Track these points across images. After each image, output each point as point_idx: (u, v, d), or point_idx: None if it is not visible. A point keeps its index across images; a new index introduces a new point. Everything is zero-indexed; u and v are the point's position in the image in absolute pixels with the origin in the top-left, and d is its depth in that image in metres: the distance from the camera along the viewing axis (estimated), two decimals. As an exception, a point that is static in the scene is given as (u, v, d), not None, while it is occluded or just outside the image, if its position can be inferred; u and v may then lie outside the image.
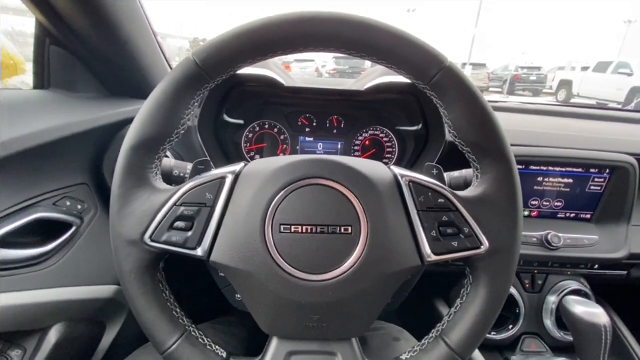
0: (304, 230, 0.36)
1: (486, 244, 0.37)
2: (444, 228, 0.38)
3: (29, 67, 0.68)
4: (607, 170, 0.72)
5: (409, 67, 0.37)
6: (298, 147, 0.86)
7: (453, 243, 0.38)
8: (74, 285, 0.57)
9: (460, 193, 0.39)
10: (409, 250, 0.38)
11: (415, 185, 0.39)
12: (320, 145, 0.86)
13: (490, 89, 12.17)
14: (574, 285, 0.79)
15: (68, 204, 0.57)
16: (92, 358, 0.64)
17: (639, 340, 0.79)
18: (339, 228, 0.36)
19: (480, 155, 0.38)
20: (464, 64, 12.93)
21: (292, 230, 0.36)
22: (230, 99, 0.80)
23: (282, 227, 0.36)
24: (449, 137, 0.68)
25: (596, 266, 0.77)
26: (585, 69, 9.79)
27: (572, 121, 0.95)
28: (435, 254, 0.38)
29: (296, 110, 0.85)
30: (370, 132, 0.86)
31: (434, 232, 0.38)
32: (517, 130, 0.81)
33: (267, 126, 0.85)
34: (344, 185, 0.37)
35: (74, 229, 0.56)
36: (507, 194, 0.38)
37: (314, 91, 0.82)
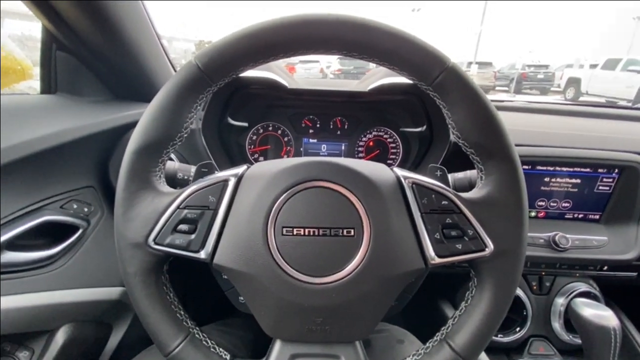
0: (306, 233, 0.36)
1: (491, 246, 0.37)
2: (448, 230, 0.38)
3: (37, 71, 0.69)
4: (616, 170, 0.71)
5: (411, 68, 0.37)
6: (302, 149, 0.86)
7: (457, 245, 0.37)
8: (80, 287, 0.57)
9: (464, 195, 0.39)
10: (412, 253, 0.37)
11: (418, 187, 0.39)
12: (323, 147, 0.86)
13: (497, 88, 12.06)
14: (582, 287, 0.77)
15: (75, 206, 0.57)
16: (99, 359, 0.64)
17: None
18: (341, 230, 0.36)
19: (484, 156, 0.38)
20: (470, 63, 12.83)
21: (295, 232, 0.36)
22: (234, 102, 0.80)
23: (285, 229, 0.36)
24: (453, 138, 0.68)
25: (605, 268, 0.76)
26: (593, 66, 9.66)
27: (580, 120, 0.93)
28: (439, 256, 0.37)
29: (299, 111, 0.85)
30: (374, 133, 0.86)
31: (437, 234, 0.37)
32: (523, 130, 0.80)
33: (270, 128, 0.86)
34: (346, 188, 0.37)
35: (80, 231, 0.57)
36: (512, 195, 0.37)
37: (316, 92, 0.81)
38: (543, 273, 0.78)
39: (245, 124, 0.83)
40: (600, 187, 0.72)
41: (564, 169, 0.71)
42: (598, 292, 0.79)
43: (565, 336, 0.77)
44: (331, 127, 0.86)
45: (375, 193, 0.37)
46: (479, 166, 0.39)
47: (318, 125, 0.86)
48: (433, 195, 0.38)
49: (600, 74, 9.14)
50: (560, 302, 0.77)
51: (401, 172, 0.40)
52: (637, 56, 8.49)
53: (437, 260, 0.37)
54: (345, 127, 0.86)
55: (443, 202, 0.38)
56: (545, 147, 0.71)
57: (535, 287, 0.79)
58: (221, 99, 0.78)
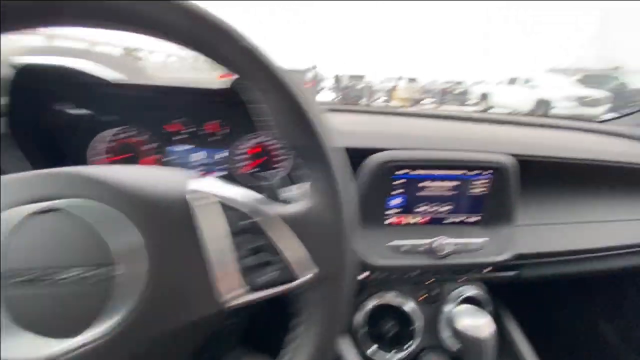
0: (43, 278, 0.25)
1: (309, 271, 0.29)
2: (254, 257, 0.29)
3: None
4: (490, 171, 0.71)
5: (206, 50, 0.29)
6: (166, 159, 0.73)
7: (263, 278, 0.29)
8: None
9: (283, 210, 0.31)
10: (203, 293, 0.28)
11: (218, 204, 0.30)
12: (195, 156, 0.75)
13: (423, 101, 13.41)
14: (469, 291, 0.76)
15: None
16: None
17: (537, 342, 0.78)
18: (95, 270, 0.26)
19: (305, 160, 0.31)
20: (399, 78, 13.86)
21: (24, 278, 0.25)
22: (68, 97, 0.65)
23: (9, 275, 0.24)
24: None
25: (488, 269, 0.75)
26: (500, 83, 11.41)
27: (474, 125, 0.96)
28: (243, 293, 0.28)
29: (162, 114, 0.72)
30: (257, 138, 0.76)
31: (241, 262, 0.29)
32: (406, 134, 0.79)
33: (133, 133, 0.71)
34: (109, 207, 0.27)
35: None
36: (328, 209, 0.30)
37: (154, 89, 0.70)
38: (427, 282, 0.75)
39: (85, 111, 0.68)
40: (477, 189, 0.72)
41: (440, 172, 0.69)
42: (484, 294, 0.79)
43: (457, 344, 0.75)
44: (203, 132, 0.74)
45: (151, 214, 0.27)
46: (301, 173, 0.32)
47: (186, 130, 0.74)
48: (236, 214, 0.30)
49: (505, 89, 10.85)
50: (447, 310, 0.75)
51: (200, 184, 0.31)
52: (532, 74, 10.14)
53: (239, 299, 0.28)
54: (222, 131, 0.75)
55: (248, 222, 0.30)
56: (420, 150, 0.69)
57: (423, 297, 0.75)
58: (37, 97, 0.62)
